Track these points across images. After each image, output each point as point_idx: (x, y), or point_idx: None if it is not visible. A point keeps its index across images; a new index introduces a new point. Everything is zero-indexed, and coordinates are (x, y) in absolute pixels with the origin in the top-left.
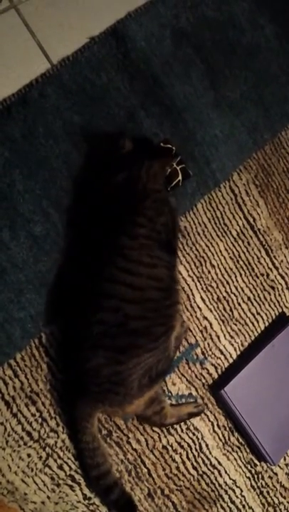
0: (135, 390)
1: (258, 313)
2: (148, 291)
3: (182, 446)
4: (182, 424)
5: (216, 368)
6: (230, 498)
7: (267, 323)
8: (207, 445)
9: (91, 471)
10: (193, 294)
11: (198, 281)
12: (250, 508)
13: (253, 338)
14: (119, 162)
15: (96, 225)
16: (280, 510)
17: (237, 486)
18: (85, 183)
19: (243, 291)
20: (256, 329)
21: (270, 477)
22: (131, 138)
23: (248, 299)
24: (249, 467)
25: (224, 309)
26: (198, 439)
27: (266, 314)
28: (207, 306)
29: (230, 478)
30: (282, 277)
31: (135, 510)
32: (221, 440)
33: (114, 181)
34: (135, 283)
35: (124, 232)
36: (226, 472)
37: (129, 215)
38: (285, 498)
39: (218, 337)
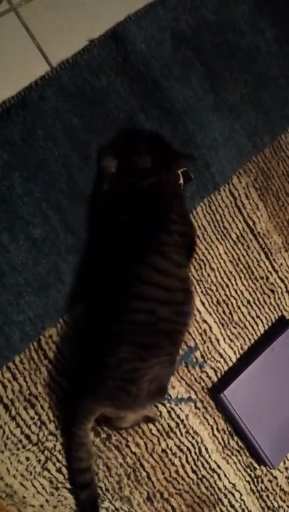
0: (144, 395)
1: (258, 317)
2: (176, 293)
3: (181, 450)
4: (182, 427)
5: (215, 371)
6: (229, 501)
7: (266, 327)
8: (206, 449)
9: (74, 463)
10: None
11: (198, 285)
12: (249, 511)
13: (252, 341)
14: (142, 170)
15: (121, 229)
16: None
17: (236, 490)
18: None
19: (242, 294)
20: (256, 332)
21: (269, 481)
22: (147, 146)
23: (248, 302)
24: (249, 471)
25: (224, 312)
26: (197, 442)
27: (266, 317)
28: (207, 309)
29: (229, 482)
30: (282, 280)
31: None
32: (220, 444)
33: (143, 186)
34: (167, 284)
35: (163, 228)
36: (225, 476)
37: (163, 213)
38: (284, 501)
39: (218, 340)
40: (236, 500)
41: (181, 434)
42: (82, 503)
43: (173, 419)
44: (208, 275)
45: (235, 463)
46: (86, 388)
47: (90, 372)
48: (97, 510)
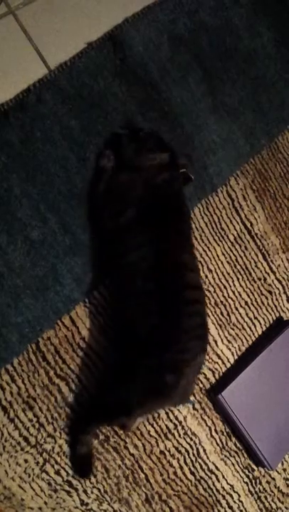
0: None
1: (256, 318)
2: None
3: (180, 452)
4: (180, 429)
5: (213, 372)
6: (227, 503)
7: (264, 328)
8: (205, 450)
9: (82, 424)
10: None
11: None
12: None
13: (250, 342)
14: (156, 166)
15: (136, 226)
16: None
17: (235, 491)
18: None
19: (240, 295)
20: (253, 334)
21: (267, 482)
22: (158, 143)
23: (246, 303)
24: (247, 472)
25: (221, 314)
26: (195, 444)
27: (263, 319)
28: None
29: (227, 484)
30: (280, 282)
31: (88, 473)
32: (218, 445)
33: (155, 183)
34: (199, 269)
35: (184, 222)
36: (223, 477)
37: (180, 208)
38: (282, 503)
39: (216, 342)
40: (234, 502)
41: (180, 436)
42: (79, 456)
43: (171, 420)
44: (206, 276)
45: (233, 464)
46: (155, 389)
47: (155, 373)
48: (91, 466)
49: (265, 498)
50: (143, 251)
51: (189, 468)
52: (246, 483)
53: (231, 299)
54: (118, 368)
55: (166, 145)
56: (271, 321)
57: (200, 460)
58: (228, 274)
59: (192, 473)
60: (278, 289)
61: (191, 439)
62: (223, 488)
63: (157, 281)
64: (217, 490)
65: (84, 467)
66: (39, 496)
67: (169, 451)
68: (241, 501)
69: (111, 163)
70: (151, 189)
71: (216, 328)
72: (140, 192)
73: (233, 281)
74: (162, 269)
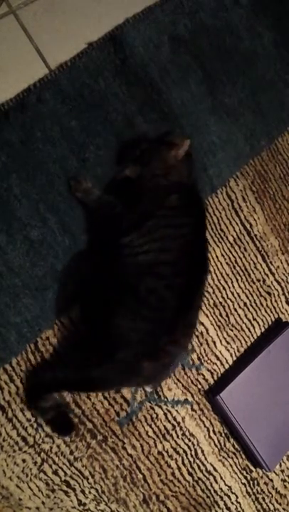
0: None
1: (254, 319)
2: None
3: (178, 452)
4: (178, 429)
5: (211, 373)
6: (225, 504)
7: (263, 329)
8: (203, 451)
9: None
10: None
11: None
12: None
13: (249, 343)
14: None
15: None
16: None
17: (232, 492)
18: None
19: (239, 296)
20: (252, 335)
21: (265, 483)
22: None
23: (245, 304)
24: (245, 473)
25: (220, 315)
26: (193, 444)
27: (262, 320)
28: (203, 311)
29: (225, 485)
30: (279, 283)
31: (69, 431)
32: (216, 446)
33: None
34: None
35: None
36: (221, 478)
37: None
38: (280, 504)
39: (214, 343)
40: (232, 503)
41: (178, 437)
42: (50, 416)
43: (169, 421)
44: None
45: (231, 465)
46: (128, 370)
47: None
48: (70, 422)
49: (263, 499)
50: (182, 229)
51: (187, 469)
52: (244, 484)
53: (230, 300)
54: (97, 336)
55: (171, 137)
56: (270, 323)
57: (198, 461)
58: (228, 275)
59: (190, 474)
60: (277, 290)
61: (190, 440)
62: (221, 489)
63: (192, 257)
64: (215, 491)
65: (62, 424)
66: (37, 495)
67: (167, 451)
68: (239, 502)
69: (135, 175)
70: (188, 190)
71: (215, 329)
72: (177, 189)
73: (232, 282)
74: (197, 249)
